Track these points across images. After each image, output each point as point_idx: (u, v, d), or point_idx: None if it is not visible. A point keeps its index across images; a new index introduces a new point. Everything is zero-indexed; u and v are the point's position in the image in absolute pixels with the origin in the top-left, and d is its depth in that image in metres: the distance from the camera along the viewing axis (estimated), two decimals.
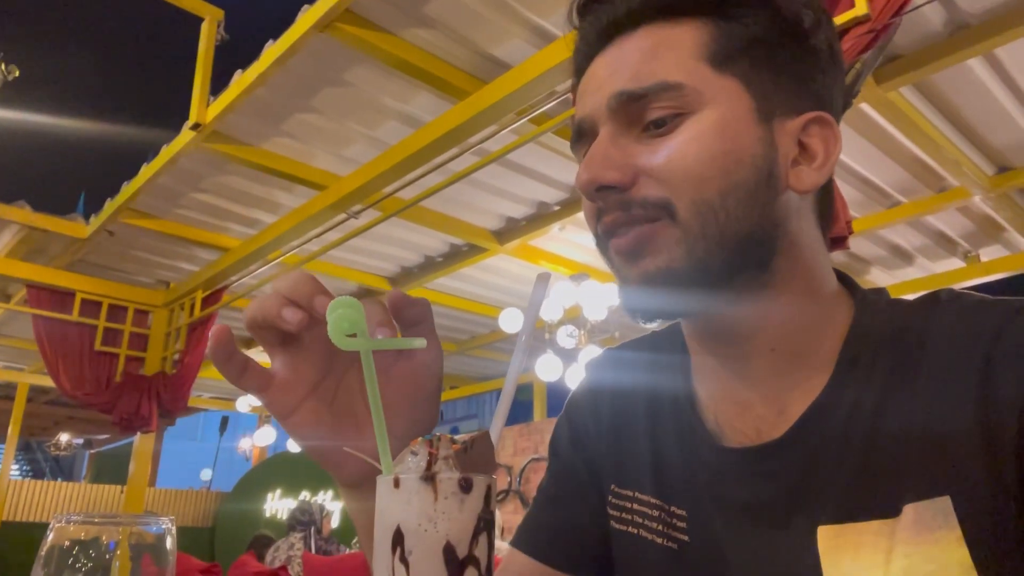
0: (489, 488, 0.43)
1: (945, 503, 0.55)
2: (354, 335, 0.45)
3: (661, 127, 0.60)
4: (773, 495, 0.62)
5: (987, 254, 4.69)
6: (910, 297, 0.66)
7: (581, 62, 0.68)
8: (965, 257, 4.72)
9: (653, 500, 0.71)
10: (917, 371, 0.59)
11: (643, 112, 0.61)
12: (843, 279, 0.69)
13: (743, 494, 0.64)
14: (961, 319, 0.60)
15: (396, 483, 0.42)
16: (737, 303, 0.63)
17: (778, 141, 0.61)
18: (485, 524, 0.42)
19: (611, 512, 0.75)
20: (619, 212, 0.61)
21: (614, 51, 0.64)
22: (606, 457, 0.77)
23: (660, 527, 0.69)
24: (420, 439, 0.43)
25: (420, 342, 0.50)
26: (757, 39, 0.61)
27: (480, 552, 0.42)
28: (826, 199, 0.67)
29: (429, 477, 0.41)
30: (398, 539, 0.41)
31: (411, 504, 0.41)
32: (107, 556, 0.55)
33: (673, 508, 0.69)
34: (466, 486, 0.42)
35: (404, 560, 0.41)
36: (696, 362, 0.72)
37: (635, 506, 0.72)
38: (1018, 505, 0.53)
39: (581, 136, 0.66)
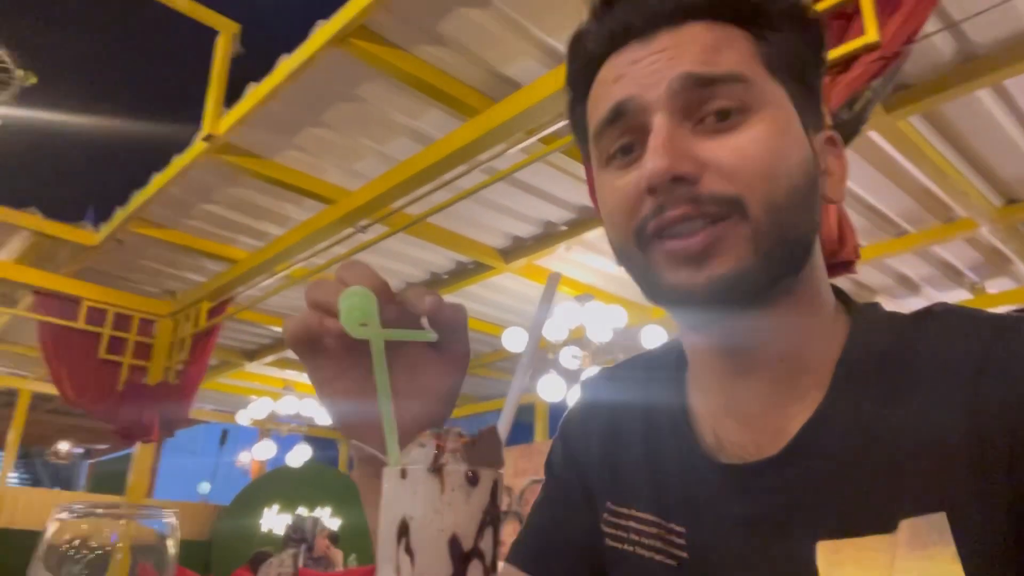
0: (496, 483, 0.42)
1: (940, 519, 0.54)
2: (366, 324, 0.45)
3: (725, 120, 0.58)
4: (772, 511, 0.62)
5: (994, 286, 4.67)
6: (905, 312, 0.67)
7: (603, 47, 0.64)
8: (972, 288, 4.71)
9: (651, 517, 0.70)
10: (911, 385, 0.59)
11: (706, 101, 0.58)
12: (839, 294, 0.69)
13: (742, 510, 0.64)
14: (953, 333, 0.60)
15: (403, 474, 0.42)
16: (762, 311, 0.61)
17: (816, 151, 0.63)
18: (491, 519, 0.42)
19: (606, 530, 0.74)
20: (688, 207, 0.57)
21: (665, 39, 0.60)
22: (600, 475, 0.77)
23: (658, 544, 0.69)
24: (428, 431, 0.43)
25: (432, 335, 0.50)
26: (794, 54, 0.63)
27: (485, 546, 0.41)
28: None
29: (436, 469, 0.41)
30: (403, 530, 0.41)
31: (417, 495, 0.41)
32: (108, 548, 0.55)
33: (672, 525, 0.68)
34: (473, 479, 0.41)
35: (409, 551, 0.40)
36: (695, 377, 0.72)
37: (632, 523, 0.71)
38: (1011, 521, 0.53)
39: (617, 119, 0.61)
